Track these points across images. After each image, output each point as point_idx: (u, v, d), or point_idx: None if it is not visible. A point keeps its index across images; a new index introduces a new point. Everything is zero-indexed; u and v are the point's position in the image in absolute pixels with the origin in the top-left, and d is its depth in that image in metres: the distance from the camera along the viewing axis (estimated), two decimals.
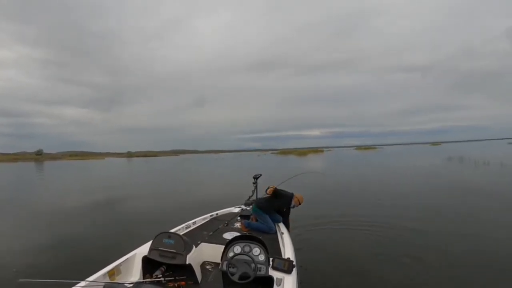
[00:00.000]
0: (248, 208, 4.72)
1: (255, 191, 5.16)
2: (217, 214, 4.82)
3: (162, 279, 2.52)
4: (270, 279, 2.26)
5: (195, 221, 4.27)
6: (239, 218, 4.51)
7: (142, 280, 2.55)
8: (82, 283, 2.18)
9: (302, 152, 70.78)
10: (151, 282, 2.48)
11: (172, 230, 3.28)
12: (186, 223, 4.06)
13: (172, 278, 2.56)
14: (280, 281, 2.22)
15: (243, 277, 2.22)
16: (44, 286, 2.11)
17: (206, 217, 4.61)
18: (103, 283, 2.12)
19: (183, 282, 2.55)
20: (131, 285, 2.21)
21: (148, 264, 2.67)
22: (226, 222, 4.34)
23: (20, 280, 2.06)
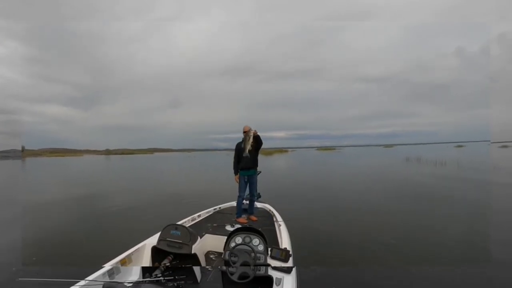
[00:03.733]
0: (246, 202, 4.93)
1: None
2: (220, 207, 5.14)
3: (161, 278, 2.43)
4: (269, 279, 2.24)
5: (199, 214, 4.52)
6: None
7: (141, 280, 2.47)
8: (82, 282, 2.07)
9: (268, 152, 72.11)
10: (150, 282, 2.37)
11: (179, 223, 3.46)
12: (191, 216, 4.28)
13: (172, 277, 2.45)
14: (279, 281, 2.21)
15: (242, 276, 2.17)
16: (43, 286, 2.04)
17: (210, 210, 4.89)
18: (102, 282, 2.03)
19: (182, 282, 2.47)
20: (131, 284, 2.16)
21: (157, 254, 2.77)
22: (228, 215, 4.72)
23: (19, 279, 1.96)
